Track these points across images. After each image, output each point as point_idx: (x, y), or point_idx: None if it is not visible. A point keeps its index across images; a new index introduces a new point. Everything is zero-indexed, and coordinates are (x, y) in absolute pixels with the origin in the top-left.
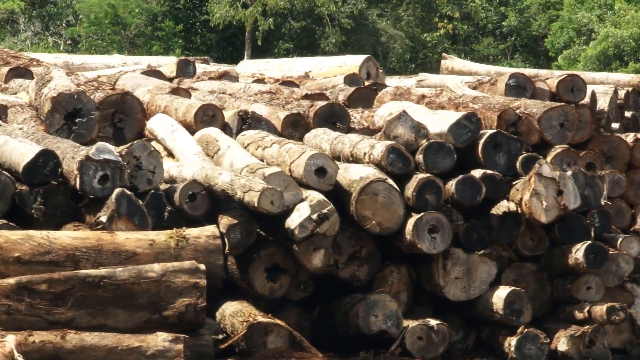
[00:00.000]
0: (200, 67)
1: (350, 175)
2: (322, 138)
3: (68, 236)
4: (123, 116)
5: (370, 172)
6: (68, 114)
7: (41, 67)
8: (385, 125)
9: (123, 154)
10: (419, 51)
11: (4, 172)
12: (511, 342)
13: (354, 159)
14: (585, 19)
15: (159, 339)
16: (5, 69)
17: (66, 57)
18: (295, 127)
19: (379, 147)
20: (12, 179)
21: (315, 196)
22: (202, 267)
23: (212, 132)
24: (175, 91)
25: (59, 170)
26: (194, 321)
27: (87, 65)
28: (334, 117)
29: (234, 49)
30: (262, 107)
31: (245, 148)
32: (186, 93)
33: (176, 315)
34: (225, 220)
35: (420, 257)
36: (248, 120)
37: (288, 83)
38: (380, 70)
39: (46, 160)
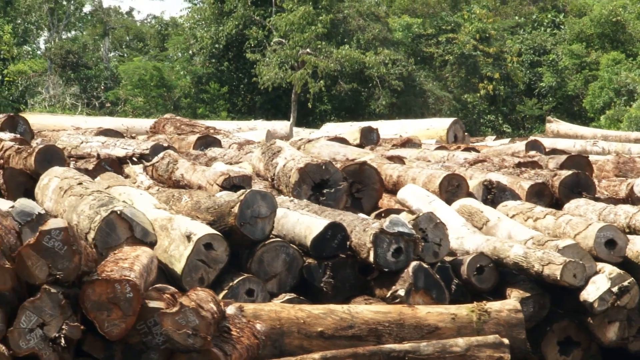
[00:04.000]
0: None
1: (637, 247)
2: (586, 208)
3: (369, 310)
4: (361, 186)
5: None
6: (315, 185)
7: (220, 134)
8: None
9: (409, 226)
10: (460, 112)
11: (292, 245)
12: None
13: (631, 230)
14: (628, 79)
15: None
16: (194, 138)
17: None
18: (539, 197)
19: None
20: (300, 252)
21: (613, 269)
22: (506, 341)
23: (472, 203)
24: (389, 160)
25: (348, 243)
26: None
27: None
28: (579, 187)
29: (278, 111)
30: (500, 177)
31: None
32: (400, 161)
33: None
34: (515, 294)
35: None
36: (493, 190)
37: (468, 149)
38: (466, 134)
39: (335, 232)
